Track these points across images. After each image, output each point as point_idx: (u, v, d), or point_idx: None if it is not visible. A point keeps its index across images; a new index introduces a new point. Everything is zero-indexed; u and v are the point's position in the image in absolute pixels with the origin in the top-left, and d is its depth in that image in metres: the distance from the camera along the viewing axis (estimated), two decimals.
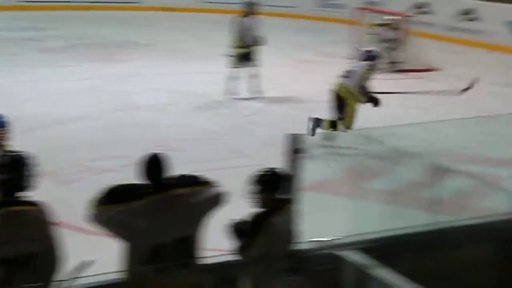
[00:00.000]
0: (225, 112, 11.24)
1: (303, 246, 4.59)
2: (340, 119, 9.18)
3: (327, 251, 4.62)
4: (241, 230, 4.33)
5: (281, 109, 11.49)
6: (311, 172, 7.16)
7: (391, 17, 14.43)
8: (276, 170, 4.42)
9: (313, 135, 9.05)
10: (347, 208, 5.73)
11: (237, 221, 4.32)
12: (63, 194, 6.95)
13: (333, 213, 5.88)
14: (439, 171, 5.23)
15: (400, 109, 11.19)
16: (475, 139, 9.67)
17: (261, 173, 4.38)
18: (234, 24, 11.78)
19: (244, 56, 11.72)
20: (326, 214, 5.94)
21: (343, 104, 9.19)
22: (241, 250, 4.26)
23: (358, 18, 15.27)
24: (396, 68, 13.98)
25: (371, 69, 9.41)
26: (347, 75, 9.34)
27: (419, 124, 9.24)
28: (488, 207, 6.03)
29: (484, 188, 6.07)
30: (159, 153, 4.13)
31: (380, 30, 14.02)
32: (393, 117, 10.41)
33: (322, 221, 5.44)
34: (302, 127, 8.94)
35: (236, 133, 10.12)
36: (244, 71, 11.80)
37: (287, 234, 4.36)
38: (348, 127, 9.10)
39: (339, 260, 4.64)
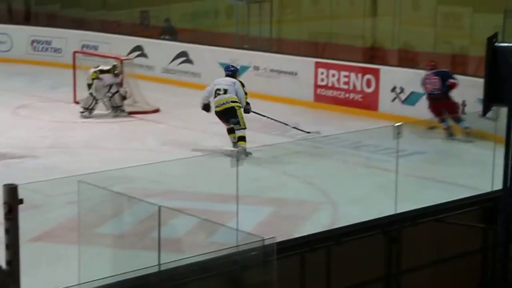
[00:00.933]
0: None
1: None
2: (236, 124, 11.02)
3: None
4: None
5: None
6: (35, 222, 6.95)
7: (110, 62, 14.48)
8: None
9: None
10: (75, 256, 5.62)
11: None
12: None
13: (62, 262, 5.73)
14: (167, 211, 5.34)
15: (120, 152, 11.31)
16: (197, 178, 10.04)
17: None
18: None
19: None
20: (54, 264, 5.78)
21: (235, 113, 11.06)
22: None
23: (78, 62, 15.14)
24: (120, 111, 14.00)
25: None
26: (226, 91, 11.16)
27: (143, 167, 9.36)
28: (214, 242, 6.28)
29: (210, 225, 6.30)
30: None
31: (105, 76, 13.90)
32: (114, 160, 10.45)
33: (50, 271, 5.30)
34: (26, 175, 8.61)
35: None
36: None
37: None
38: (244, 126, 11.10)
39: None
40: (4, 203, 4.44)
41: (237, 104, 11.20)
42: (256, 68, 15.78)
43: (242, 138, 11.12)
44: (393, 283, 6.00)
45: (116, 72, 13.96)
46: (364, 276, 5.88)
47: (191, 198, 9.22)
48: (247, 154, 10.63)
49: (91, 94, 13.81)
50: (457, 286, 6.37)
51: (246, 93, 11.42)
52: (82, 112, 13.79)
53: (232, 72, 11.65)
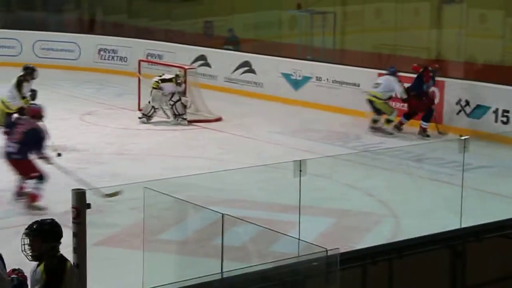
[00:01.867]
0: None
1: None
2: None
3: None
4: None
5: (69, 163, 11.24)
6: (101, 227, 7.08)
7: (173, 70, 14.69)
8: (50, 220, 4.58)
9: None
10: (140, 261, 5.70)
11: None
12: None
13: (126, 267, 5.82)
14: (229, 219, 5.38)
15: (182, 159, 11.43)
16: (258, 187, 10.09)
17: (38, 223, 4.50)
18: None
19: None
20: (119, 268, 5.88)
21: None
22: None
23: (141, 70, 15.38)
24: (182, 119, 14.16)
25: None
26: None
27: (205, 174, 9.45)
28: (275, 252, 6.29)
29: (271, 234, 6.32)
30: None
31: (163, 85, 14.14)
32: (177, 167, 10.58)
33: (115, 275, 5.39)
34: (92, 180, 8.79)
35: None
36: None
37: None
38: None
39: None
40: (73, 207, 4.55)
41: None
42: (319, 79, 15.76)
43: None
44: None
45: (178, 81, 14.15)
46: None
47: (252, 207, 9.26)
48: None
49: (149, 102, 14.09)
50: None
51: None
52: (140, 118, 14.08)
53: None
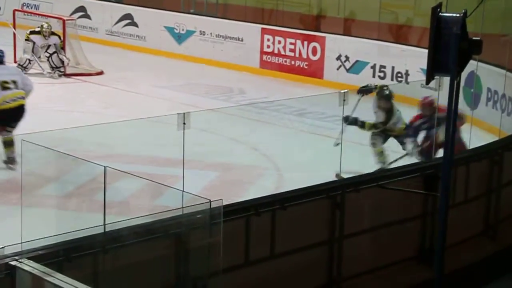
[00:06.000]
0: None
1: None
2: None
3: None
4: None
5: None
6: None
7: (47, 22, 14.24)
8: None
9: None
10: (17, 217, 5.54)
11: None
12: None
13: (3, 223, 5.65)
14: (112, 173, 5.30)
15: (63, 114, 11.15)
16: (141, 141, 9.99)
17: None
18: None
19: None
20: None
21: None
22: None
23: (17, 21, 14.81)
24: (60, 72, 13.84)
25: None
26: None
27: (88, 127, 9.26)
28: (160, 205, 6.28)
29: (155, 187, 6.29)
30: None
31: (35, 37, 13.81)
32: (57, 121, 10.31)
33: None
34: None
35: None
36: None
37: None
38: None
39: (12, 269, 4.48)
40: None
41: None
42: (202, 33, 15.66)
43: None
44: (335, 247, 6.09)
45: (44, 33, 13.78)
46: (308, 240, 5.96)
47: (135, 161, 9.18)
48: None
49: (24, 52, 13.88)
50: (397, 251, 6.51)
51: None
52: None
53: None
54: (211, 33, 15.54)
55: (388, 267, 6.48)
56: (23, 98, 9.01)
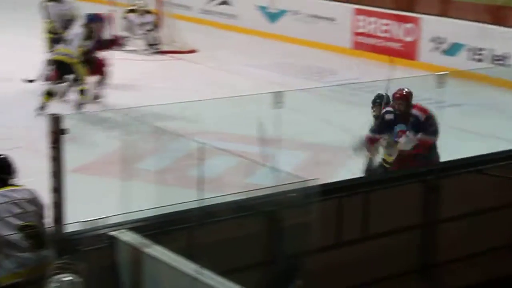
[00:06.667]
0: None
1: (73, 227, 4.53)
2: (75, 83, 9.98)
3: (99, 232, 4.57)
4: None
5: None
6: (77, 153, 7.03)
7: (143, 0, 14.54)
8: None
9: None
10: (116, 190, 5.69)
11: None
12: None
13: (102, 194, 5.81)
14: (204, 150, 5.37)
15: (158, 90, 11.36)
16: (234, 119, 10.07)
17: None
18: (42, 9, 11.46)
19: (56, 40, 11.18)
20: (95, 196, 5.87)
21: (70, 70, 9.93)
22: None
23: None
24: (155, 50, 14.14)
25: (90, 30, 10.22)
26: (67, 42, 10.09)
27: (179, 104, 9.41)
28: (249, 183, 6.33)
29: (249, 165, 6.34)
30: None
31: (131, 16, 14.20)
32: (153, 97, 10.51)
33: (91, 203, 5.39)
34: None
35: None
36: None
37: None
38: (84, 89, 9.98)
39: (112, 240, 4.61)
40: (50, 132, 4.49)
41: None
42: (295, 12, 15.60)
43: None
44: (428, 232, 6.00)
45: (140, 12, 14.14)
46: (400, 223, 5.89)
47: (228, 139, 9.25)
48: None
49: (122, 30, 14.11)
50: (491, 239, 6.36)
51: None
52: None
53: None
54: (303, 13, 15.46)
55: (481, 255, 6.34)
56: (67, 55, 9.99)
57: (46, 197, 4.56)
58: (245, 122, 9.66)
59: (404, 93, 7.06)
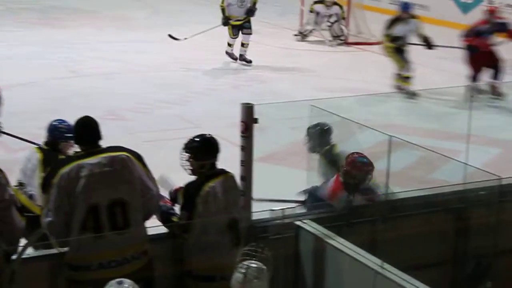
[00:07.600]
0: (174, 82, 11.13)
1: (260, 216, 4.61)
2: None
3: (285, 221, 4.62)
4: (175, 199, 4.46)
5: (232, 80, 11.51)
6: (264, 142, 7.17)
7: None
8: (206, 136, 4.44)
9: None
10: (300, 179, 5.74)
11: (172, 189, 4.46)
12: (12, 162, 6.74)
13: (288, 183, 5.88)
14: (391, 143, 5.27)
15: (340, 81, 11.33)
16: (419, 112, 9.83)
17: (191, 139, 4.41)
18: None
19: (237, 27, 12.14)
20: (281, 184, 5.95)
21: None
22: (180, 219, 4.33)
23: None
24: (340, 41, 14.14)
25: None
26: None
27: (363, 97, 9.34)
28: (439, 178, 6.14)
29: (435, 160, 6.16)
30: (90, 117, 4.22)
31: (318, 7, 14.27)
32: (334, 89, 10.53)
33: (277, 190, 5.47)
34: (254, 98, 8.90)
35: (188, 104, 10.07)
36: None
37: (224, 202, 4.36)
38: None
39: (297, 229, 4.65)
40: (242, 121, 4.59)
41: None
42: (491, 1, 14.94)
43: None
44: None
45: (327, 3, 14.11)
46: None
47: (411, 133, 9.04)
48: None
49: (307, 23, 14.42)
50: None
51: None
52: (295, 35, 14.50)
53: None
54: (500, 2, 14.76)
55: None
56: None
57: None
58: (430, 116, 9.45)
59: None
